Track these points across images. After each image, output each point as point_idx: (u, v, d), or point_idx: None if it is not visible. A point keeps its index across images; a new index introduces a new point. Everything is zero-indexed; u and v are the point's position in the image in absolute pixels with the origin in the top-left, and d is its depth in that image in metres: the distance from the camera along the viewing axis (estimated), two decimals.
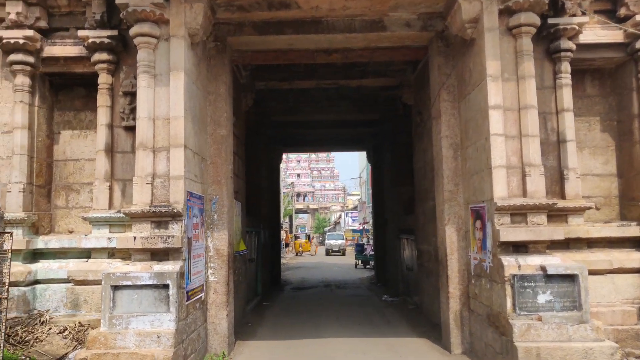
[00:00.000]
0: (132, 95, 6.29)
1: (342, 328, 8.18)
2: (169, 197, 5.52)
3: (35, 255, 6.53)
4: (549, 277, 5.25)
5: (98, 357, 4.91)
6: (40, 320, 5.98)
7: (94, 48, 6.34)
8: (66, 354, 5.57)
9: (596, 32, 6.53)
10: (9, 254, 5.20)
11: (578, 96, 6.85)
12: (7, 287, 5.14)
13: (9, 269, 5.21)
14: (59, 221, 6.90)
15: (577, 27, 6.23)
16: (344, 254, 32.74)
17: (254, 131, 11.72)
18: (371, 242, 22.96)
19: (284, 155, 19.14)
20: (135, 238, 5.36)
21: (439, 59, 6.90)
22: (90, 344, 5.05)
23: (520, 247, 5.52)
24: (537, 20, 5.74)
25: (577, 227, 6.23)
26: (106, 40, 6.26)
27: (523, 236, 5.42)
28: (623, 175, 6.88)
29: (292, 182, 59.23)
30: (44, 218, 6.73)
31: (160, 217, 5.44)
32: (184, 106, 5.60)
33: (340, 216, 59.36)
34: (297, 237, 40.26)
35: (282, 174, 29.56)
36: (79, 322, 5.98)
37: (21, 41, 6.31)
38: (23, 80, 6.48)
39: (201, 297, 6.18)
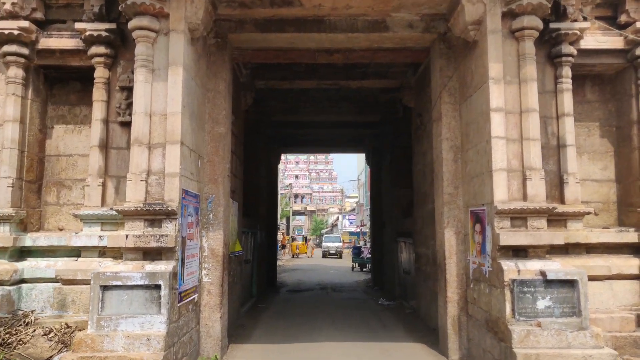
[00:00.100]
0: (129, 90, 6.16)
1: (338, 332, 8.08)
2: (163, 195, 5.38)
3: (23, 253, 6.33)
4: (549, 283, 5.18)
5: None
6: (24, 321, 5.72)
7: (91, 41, 6.23)
8: (51, 357, 5.32)
9: (597, 38, 6.56)
10: None
11: (578, 101, 6.85)
12: None
13: None
14: (49, 218, 6.74)
15: (578, 32, 6.23)
16: (340, 257, 32.60)
17: (253, 130, 11.63)
18: (368, 245, 22.86)
19: (283, 156, 19.07)
20: (127, 236, 5.22)
21: (440, 61, 6.85)
22: (76, 347, 4.83)
23: (520, 252, 5.46)
24: (540, 24, 5.71)
25: (577, 232, 6.19)
26: (104, 34, 6.15)
27: (523, 240, 5.37)
28: (621, 181, 6.86)
29: (290, 184, 59.16)
30: (33, 214, 6.56)
31: (154, 215, 5.30)
32: (181, 102, 5.49)
33: (337, 218, 59.33)
34: (294, 239, 40.13)
35: (280, 175, 29.43)
36: (66, 324, 5.71)
37: (16, 32, 6.19)
38: (16, 72, 6.35)
39: (194, 298, 6.02)
